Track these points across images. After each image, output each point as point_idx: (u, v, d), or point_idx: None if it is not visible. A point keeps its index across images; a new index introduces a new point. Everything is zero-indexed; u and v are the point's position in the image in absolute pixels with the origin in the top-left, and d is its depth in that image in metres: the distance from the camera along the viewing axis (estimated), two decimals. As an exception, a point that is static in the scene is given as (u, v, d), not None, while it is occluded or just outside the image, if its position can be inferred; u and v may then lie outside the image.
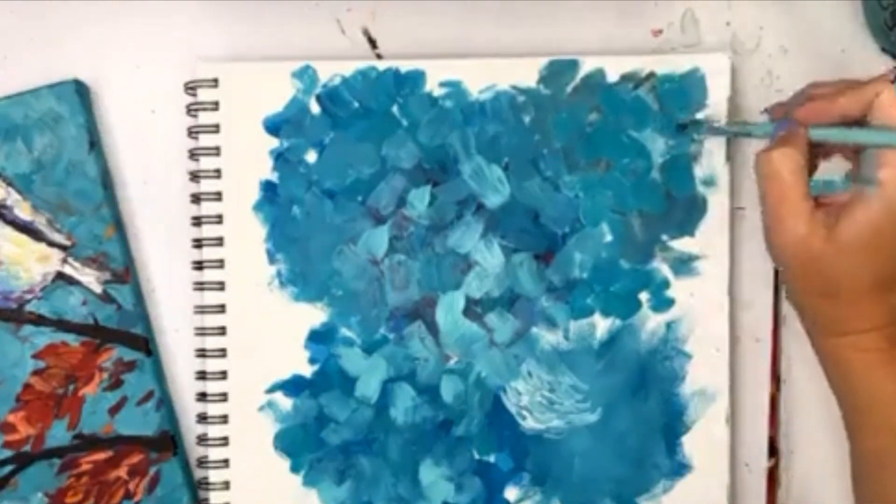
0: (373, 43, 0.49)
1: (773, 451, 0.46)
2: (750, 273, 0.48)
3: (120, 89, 0.47)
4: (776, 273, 0.47)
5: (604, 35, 0.48)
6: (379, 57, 0.49)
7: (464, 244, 0.48)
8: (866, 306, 0.39)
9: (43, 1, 0.46)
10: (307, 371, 0.48)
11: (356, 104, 0.48)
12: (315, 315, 0.48)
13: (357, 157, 0.48)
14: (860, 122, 0.39)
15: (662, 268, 0.48)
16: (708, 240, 0.48)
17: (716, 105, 0.47)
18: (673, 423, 0.48)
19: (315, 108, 0.48)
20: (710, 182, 0.48)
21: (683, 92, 0.48)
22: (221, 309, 0.47)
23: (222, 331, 0.47)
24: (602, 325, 0.48)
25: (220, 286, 0.47)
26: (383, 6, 0.48)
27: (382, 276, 0.48)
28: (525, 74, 0.48)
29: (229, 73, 0.47)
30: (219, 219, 0.47)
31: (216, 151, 0.47)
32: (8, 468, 0.47)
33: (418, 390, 0.48)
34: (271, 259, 0.48)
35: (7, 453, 0.47)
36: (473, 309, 0.48)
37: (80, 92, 0.46)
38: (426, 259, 0.48)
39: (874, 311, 0.39)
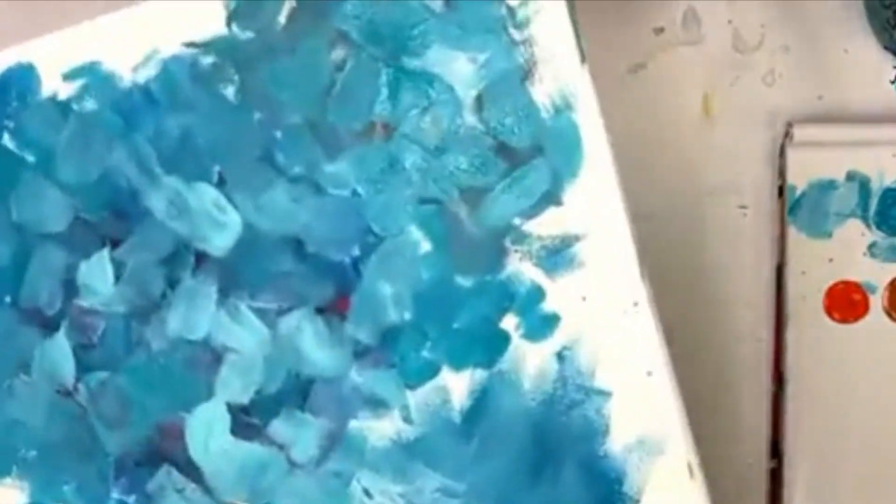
0: None
1: (776, 452, 0.41)
2: (752, 271, 0.41)
3: None
4: (778, 271, 0.41)
5: (603, 34, 0.42)
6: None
7: (195, 325, 0.28)
8: None
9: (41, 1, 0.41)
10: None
11: (-58, 150, 0.28)
12: (10, 498, 0.29)
13: (-23, 236, 0.28)
14: None
15: (525, 270, 0.28)
16: (588, 202, 0.28)
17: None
18: (611, 501, 0.30)
19: None
20: (565, 104, 0.28)
21: (478, -34, 0.27)
22: None
23: None
24: (458, 384, 0.29)
25: None
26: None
27: (85, 412, 0.29)
28: (203, 16, 0.27)
29: None
30: None
31: None
32: None
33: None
34: (-90, 433, 0.29)
35: None
36: (246, 421, 0.29)
37: None
38: (143, 366, 0.29)
39: None
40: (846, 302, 0.41)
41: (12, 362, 0.28)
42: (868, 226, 0.40)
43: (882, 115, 0.43)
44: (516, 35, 0.27)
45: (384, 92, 0.27)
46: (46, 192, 0.27)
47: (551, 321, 0.28)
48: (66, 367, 0.28)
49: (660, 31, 0.44)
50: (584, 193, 0.27)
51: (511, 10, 0.27)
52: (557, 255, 0.28)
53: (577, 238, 0.28)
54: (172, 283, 0.28)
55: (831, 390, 0.38)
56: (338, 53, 0.27)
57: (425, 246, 0.28)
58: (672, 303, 0.33)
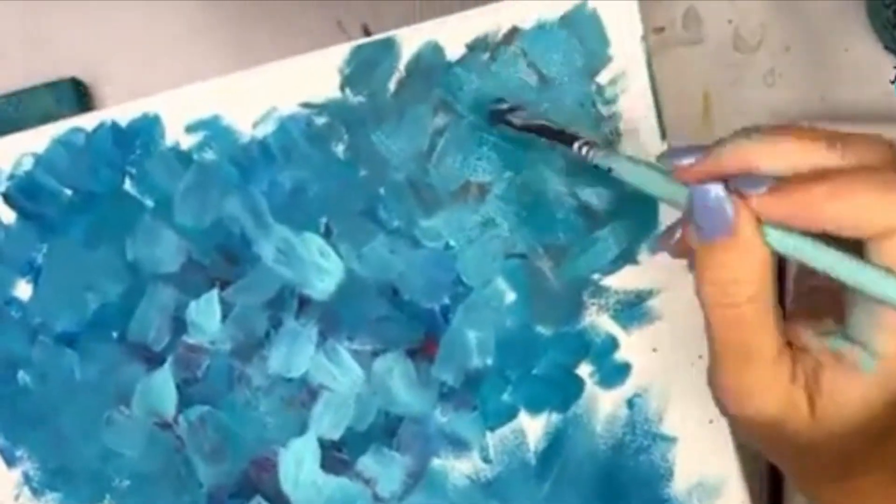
0: None
1: None
2: None
3: (118, 88, 0.44)
4: (779, 269, 0.36)
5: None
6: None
7: (294, 364, 0.30)
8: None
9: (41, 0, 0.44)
10: None
11: (67, 191, 0.29)
12: (100, 526, 0.30)
13: (92, 273, 0.30)
14: (851, 245, 0.20)
15: (602, 322, 0.30)
16: (661, 261, 0.31)
17: (626, 55, 0.30)
18: (672, 541, 0.32)
19: (6, 214, 0.29)
20: (641, 173, 0.31)
21: (569, 44, 0.30)
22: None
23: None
24: (534, 427, 0.31)
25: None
26: (384, 4, 0.43)
27: (183, 444, 0.30)
28: (319, 80, 0.30)
29: None
30: None
31: None
32: None
33: None
34: (9, 460, 0.30)
35: None
36: (336, 456, 0.30)
37: (78, 90, 0.43)
38: (242, 402, 0.30)
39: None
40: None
41: (113, 394, 0.30)
42: None
43: (882, 115, 0.43)
44: (603, 110, 0.29)
45: (480, 156, 0.29)
46: (162, 235, 0.29)
47: (623, 370, 0.30)
48: (169, 401, 0.29)
49: (660, 31, 0.43)
50: (658, 254, 0.30)
51: (600, 88, 0.29)
52: (631, 309, 0.30)
53: (650, 294, 0.30)
54: (276, 324, 0.29)
55: None
56: (440, 119, 0.29)
57: (510, 297, 0.30)
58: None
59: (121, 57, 0.45)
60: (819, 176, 0.20)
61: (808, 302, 0.38)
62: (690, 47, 0.44)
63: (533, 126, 0.27)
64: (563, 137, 0.26)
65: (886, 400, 0.21)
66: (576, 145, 0.26)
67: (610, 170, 0.25)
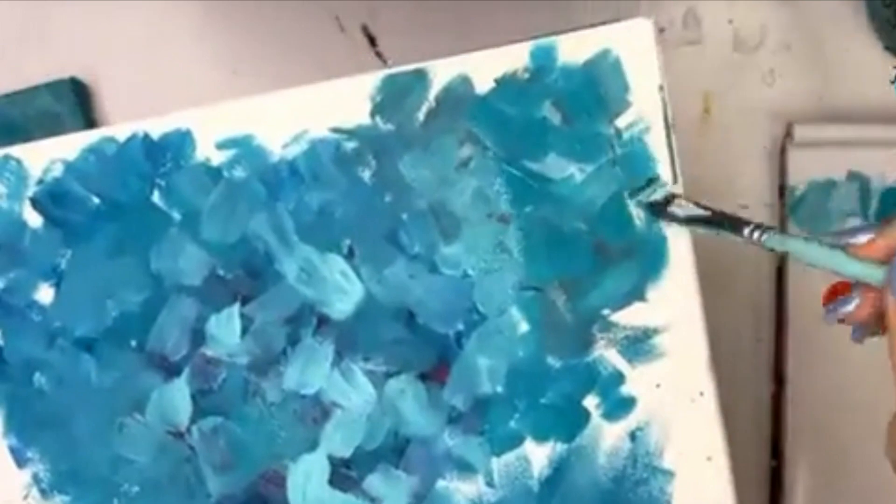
0: (372, 41, 0.45)
1: (776, 452, 0.42)
2: (752, 271, 0.43)
3: (118, 88, 0.46)
4: (778, 271, 0.42)
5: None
6: (379, 56, 0.43)
7: (309, 381, 0.30)
8: None
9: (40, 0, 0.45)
10: None
11: (95, 199, 0.30)
12: (105, 530, 0.31)
13: (115, 281, 0.30)
14: None
15: (609, 356, 0.31)
16: (669, 300, 0.31)
17: (642, 102, 0.31)
18: (666, 572, 0.32)
19: (34, 218, 0.30)
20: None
21: (592, 87, 0.31)
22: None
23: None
24: (539, 455, 0.31)
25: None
26: (384, 3, 0.45)
27: (194, 454, 0.31)
28: (350, 106, 0.30)
29: None
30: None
31: None
32: None
33: None
34: (20, 460, 0.30)
35: None
36: (344, 473, 0.31)
37: (78, 90, 0.44)
38: (256, 415, 0.31)
39: None
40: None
41: (127, 401, 0.30)
42: None
43: (882, 115, 0.43)
44: (620, 152, 0.30)
45: (503, 189, 0.30)
46: (187, 248, 0.29)
47: (628, 403, 0.31)
48: (183, 410, 0.30)
49: (660, 30, 0.44)
50: (666, 293, 0.31)
51: (618, 131, 0.30)
52: (638, 344, 0.31)
53: (656, 331, 0.31)
54: (293, 341, 0.30)
55: (831, 390, 0.38)
56: (466, 150, 0.30)
57: (523, 327, 0.30)
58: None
59: (121, 57, 0.45)
60: None
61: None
62: (690, 47, 0.44)
63: (700, 218, 0.28)
64: (734, 224, 0.27)
65: None
66: (746, 231, 0.27)
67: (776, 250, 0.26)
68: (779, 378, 0.43)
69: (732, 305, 0.43)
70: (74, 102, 0.45)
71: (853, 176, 0.40)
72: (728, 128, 0.45)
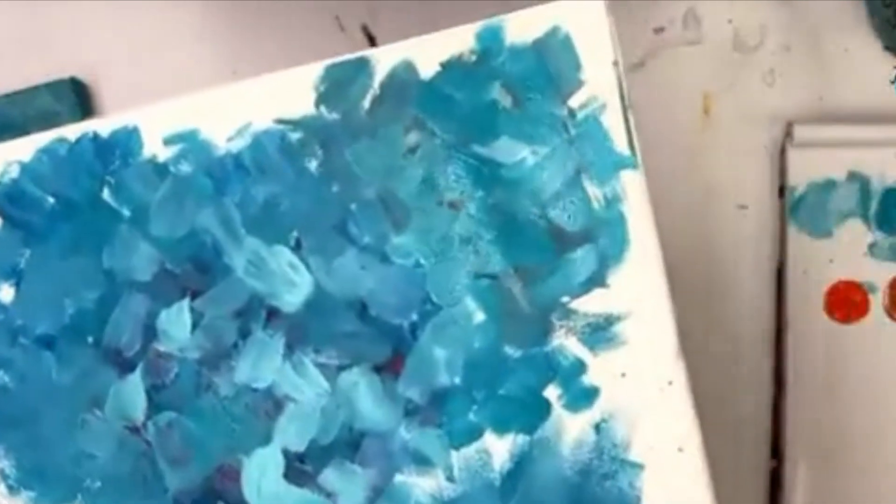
0: (372, 41, 0.45)
1: (776, 452, 0.41)
2: (752, 271, 0.42)
3: (118, 88, 0.46)
4: (778, 271, 0.41)
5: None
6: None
7: (261, 374, 0.30)
8: None
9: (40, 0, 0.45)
10: None
11: (50, 199, 0.30)
12: (71, 525, 0.31)
13: (71, 279, 0.30)
14: None
15: (570, 344, 0.30)
16: (632, 285, 0.30)
17: (596, 79, 0.30)
18: (639, 571, 0.31)
19: (-8, 218, 0.30)
20: (615, 197, 0.30)
21: (542, 67, 0.30)
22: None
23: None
24: (500, 448, 0.30)
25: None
26: (384, 3, 0.45)
27: (151, 449, 0.31)
28: (295, 97, 0.30)
29: None
30: None
31: None
32: None
33: None
34: (-13, 457, 0.31)
35: None
36: (299, 468, 0.30)
37: (78, 90, 0.44)
38: (210, 410, 0.30)
39: None
40: (846, 302, 0.39)
41: (87, 398, 0.30)
42: (868, 226, 0.39)
43: (882, 115, 0.42)
44: (574, 132, 0.29)
45: (452, 175, 0.29)
46: (137, 244, 0.29)
47: (591, 394, 0.30)
48: (138, 406, 0.30)
49: (660, 31, 0.43)
50: (628, 277, 0.29)
51: (571, 111, 0.29)
52: (600, 332, 0.30)
53: (619, 318, 0.29)
54: (244, 335, 0.29)
55: (831, 390, 0.37)
56: (413, 137, 0.29)
57: (479, 317, 0.30)
58: (672, 302, 0.31)
59: (121, 57, 0.46)
60: None
61: None
62: (690, 47, 0.44)
63: None
64: None
65: None
66: None
67: None
68: (779, 378, 0.42)
69: (732, 306, 0.42)
70: (74, 102, 0.45)
71: (853, 176, 0.39)
72: (728, 128, 0.44)
